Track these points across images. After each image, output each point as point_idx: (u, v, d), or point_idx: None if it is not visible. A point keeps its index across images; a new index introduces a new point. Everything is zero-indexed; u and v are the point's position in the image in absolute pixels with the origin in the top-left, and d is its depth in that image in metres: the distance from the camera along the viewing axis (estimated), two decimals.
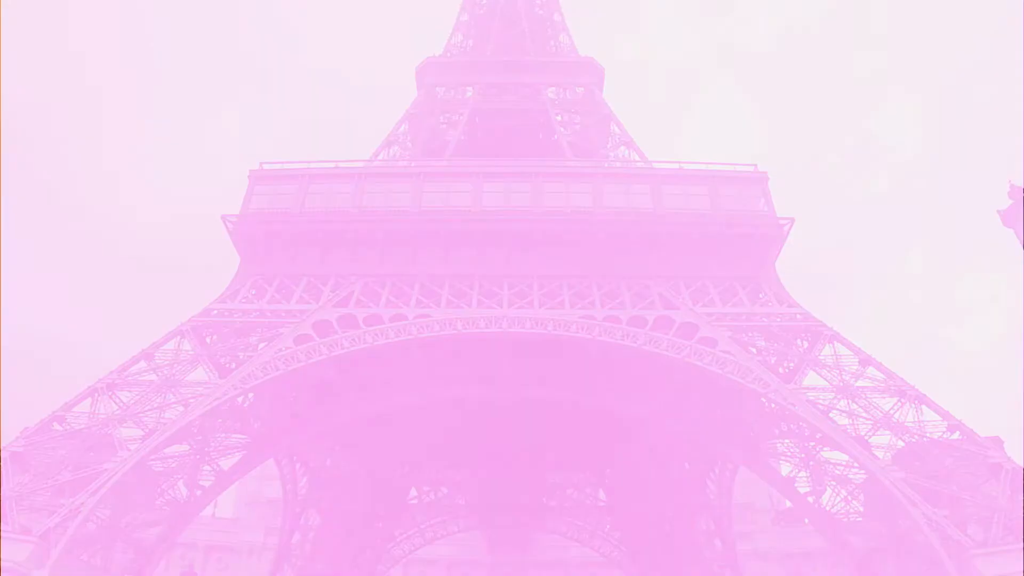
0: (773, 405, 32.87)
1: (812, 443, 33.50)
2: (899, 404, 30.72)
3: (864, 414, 30.50)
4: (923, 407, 30.70)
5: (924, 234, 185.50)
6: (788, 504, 56.73)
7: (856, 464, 29.83)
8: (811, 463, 33.85)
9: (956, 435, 30.17)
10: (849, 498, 32.45)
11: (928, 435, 29.74)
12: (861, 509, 33.05)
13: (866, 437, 29.89)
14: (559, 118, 52.01)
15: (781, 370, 33.42)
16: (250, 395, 35.04)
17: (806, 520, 47.54)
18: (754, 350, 34.17)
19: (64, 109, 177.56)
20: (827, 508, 32.93)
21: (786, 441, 35.54)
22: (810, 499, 33.94)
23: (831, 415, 30.59)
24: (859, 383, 31.87)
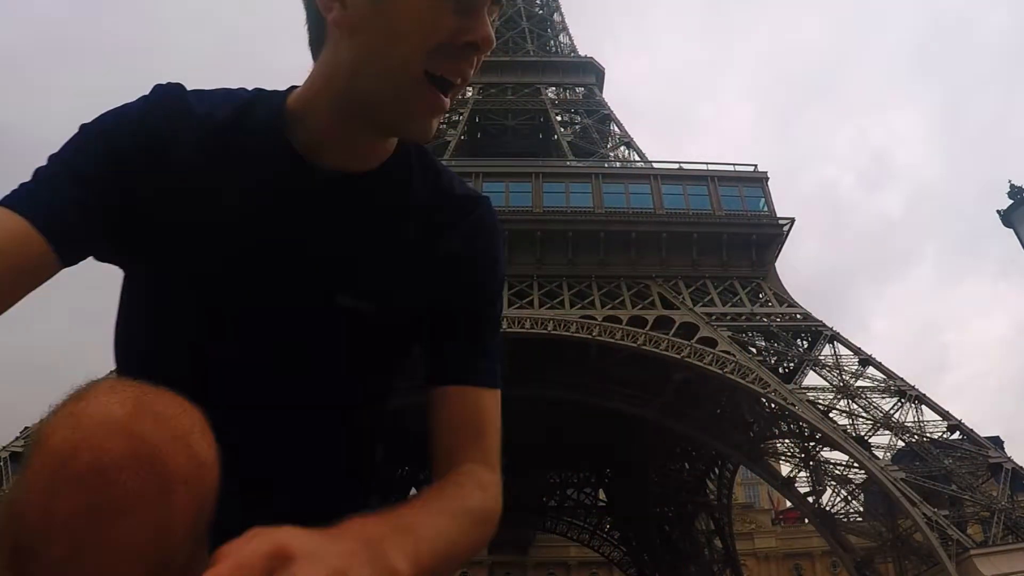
0: (773, 405, 32.88)
1: (812, 443, 33.52)
2: (899, 404, 30.73)
3: (864, 414, 30.51)
4: (923, 407, 30.73)
5: (931, 238, 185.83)
6: (788, 504, 56.84)
7: (856, 464, 29.83)
8: (811, 463, 33.87)
9: (956, 435, 30.20)
10: (849, 498, 32.46)
11: (928, 435, 29.75)
12: (861, 509, 33.09)
13: (866, 437, 29.90)
14: (559, 118, 52.02)
15: (781, 370, 33.43)
16: None
17: (806, 520, 47.61)
18: (754, 350, 34.18)
19: (65, 109, 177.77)
20: (827, 508, 32.94)
21: (786, 441, 35.56)
22: (810, 499, 33.96)
23: (831, 415, 30.60)
24: (859, 383, 31.89)
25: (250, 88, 1.21)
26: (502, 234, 1.33)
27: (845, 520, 32.87)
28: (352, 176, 1.15)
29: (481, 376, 1.23)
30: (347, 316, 1.14)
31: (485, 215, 1.29)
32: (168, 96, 1.14)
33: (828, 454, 32.96)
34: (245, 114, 1.14)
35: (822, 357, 32.94)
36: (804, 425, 31.89)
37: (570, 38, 62.37)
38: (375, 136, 1.15)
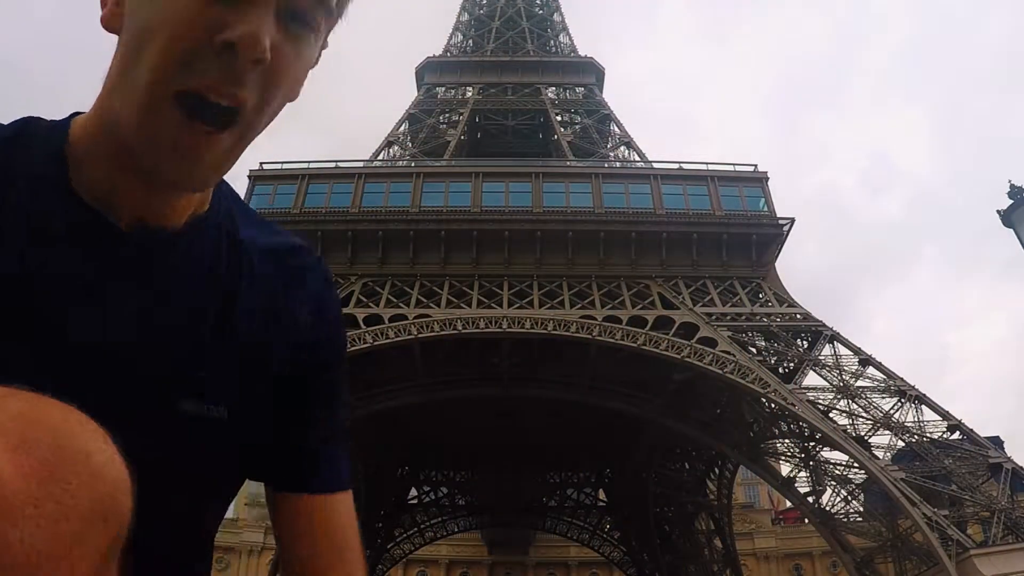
0: (773, 405, 32.87)
1: (812, 443, 33.52)
2: (899, 404, 30.72)
3: (864, 414, 30.50)
4: (923, 407, 30.71)
5: (932, 239, 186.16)
6: (788, 504, 56.87)
7: (856, 464, 29.83)
8: (811, 463, 33.86)
9: (956, 435, 30.19)
10: (849, 498, 32.46)
11: (928, 435, 29.74)
12: (861, 509, 33.09)
13: (866, 437, 29.89)
14: (559, 118, 52.00)
15: (781, 370, 33.41)
16: None
17: (806, 520, 47.66)
18: (754, 350, 34.17)
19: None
20: (827, 508, 32.93)
21: (786, 441, 35.55)
22: (810, 499, 33.96)
23: (831, 415, 30.59)
24: (859, 383, 31.88)
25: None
26: (335, 286, 1.11)
27: (845, 520, 32.85)
28: (159, 233, 0.89)
29: (334, 479, 1.03)
30: (182, 422, 0.88)
31: (314, 265, 1.06)
32: None
33: (828, 454, 32.98)
34: (16, 157, 0.86)
35: (822, 357, 32.92)
36: (804, 425, 31.88)
37: (570, 38, 62.37)
38: (146, 182, 0.87)
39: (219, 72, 0.76)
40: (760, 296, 36.52)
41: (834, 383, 31.76)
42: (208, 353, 0.92)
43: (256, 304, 0.98)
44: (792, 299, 35.88)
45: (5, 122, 0.93)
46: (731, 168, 40.51)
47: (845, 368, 32.44)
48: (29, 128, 0.91)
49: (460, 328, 33.36)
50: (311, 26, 0.84)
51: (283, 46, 0.81)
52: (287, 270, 1.03)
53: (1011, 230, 9.12)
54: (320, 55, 0.94)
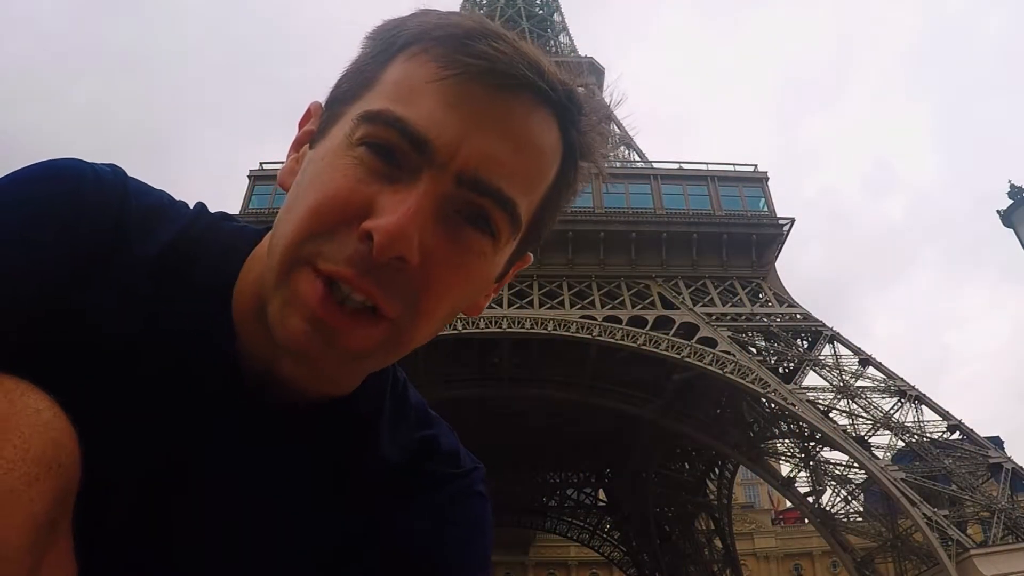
0: (773, 405, 32.88)
1: (812, 443, 33.53)
2: (899, 404, 30.73)
3: (864, 414, 30.50)
4: (923, 407, 30.72)
5: (933, 241, 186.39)
6: (788, 504, 56.84)
7: (856, 464, 29.84)
8: (811, 463, 33.87)
9: (956, 435, 30.20)
10: (849, 498, 32.48)
11: (928, 435, 29.74)
12: (861, 509, 33.10)
13: (866, 437, 29.90)
14: None
15: (781, 370, 33.42)
16: None
17: (806, 520, 47.67)
18: (754, 350, 34.17)
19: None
20: (827, 508, 32.94)
21: (786, 441, 35.56)
22: (810, 499, 33.96)
23: (831, 415, 30.60)
24: (859, 383, 31.88)
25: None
26: (487, 521, 0.92)
27: (845, 520, 32.86)
28: (306, 408, 0.79)
29: None
30: None
31: (463, 491, 0.91)
32: (105, 202, 0.74)
33: (828, 454, 32.99)
34: (185, 273, 0.76)
35: (822, 357, 32.92)
36: (804, 425, 31.89)
37: (570, 38, 62.37)
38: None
39: (353, 263, 0.66)
40: (760, 296, 36.53)
41: (834, 383, 31.77)
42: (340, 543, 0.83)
43: (420, 506, 0.87)
44: (792, 299, 35.89)
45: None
46: (731, 168, 40.52)
47: (845, 368, 32.45)
48: (211, 237, 0.79)
49: (460, 328, 33.35)
50: (485, 231, 0.73)
51: (441, 249, 0.69)
52: (446, 483, 0.91)
53: (1011, 230, 9.12)
54: (508, 271, 0.83)
